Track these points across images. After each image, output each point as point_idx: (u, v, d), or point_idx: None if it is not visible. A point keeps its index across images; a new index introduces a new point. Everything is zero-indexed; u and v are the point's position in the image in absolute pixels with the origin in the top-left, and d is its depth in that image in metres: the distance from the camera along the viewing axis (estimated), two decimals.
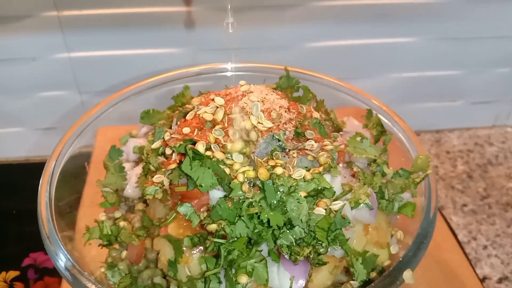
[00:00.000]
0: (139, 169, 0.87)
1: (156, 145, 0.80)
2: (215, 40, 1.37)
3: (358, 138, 0.82)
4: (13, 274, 1.28)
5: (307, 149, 0.73)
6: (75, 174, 0.93)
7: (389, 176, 0.80)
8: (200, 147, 0.68)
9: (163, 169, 0.76)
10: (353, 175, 0.78)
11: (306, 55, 1.44)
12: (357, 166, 0.80)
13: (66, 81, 1.46)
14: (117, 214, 0.89)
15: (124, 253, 0.81)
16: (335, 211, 0.68)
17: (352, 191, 0.72)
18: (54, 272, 1.25)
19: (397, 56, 1.51)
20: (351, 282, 0.72)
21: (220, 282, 0.67)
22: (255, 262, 0.66)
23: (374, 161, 0.81)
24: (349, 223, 0.67)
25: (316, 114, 0.81)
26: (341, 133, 0.85)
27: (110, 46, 1.39)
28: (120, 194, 0.90)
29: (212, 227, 0.67)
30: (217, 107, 0.73)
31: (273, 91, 0.77)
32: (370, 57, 1.50)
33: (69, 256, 0.70)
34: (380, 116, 0.93)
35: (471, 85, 1.62)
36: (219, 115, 0.72)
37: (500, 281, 1.21)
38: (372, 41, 1.47)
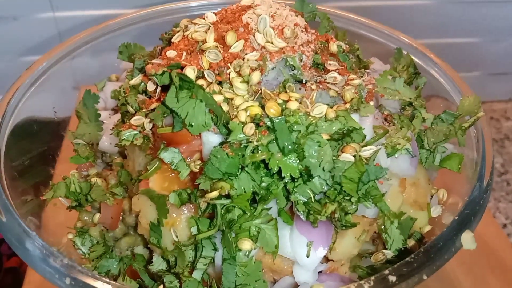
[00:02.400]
0: (118, 117, 0.71)
1: (135, 80, 0.63)
2: None
3: (389, 77, 0.65)
4: None
5: (328, 82, 0.57)
6: (41, 125, 0.77)
7: (429, 122, 0.64)
8: (190, 72, 0.52)
9: (143, 110, 0.60)
10: (385, 119, 0.62)
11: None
12: (389, 111, 0.64)
13: (51, 44, 1.31)
14: (92, 171, 0.73)
15: (97, 217, 0.65)
16: (366, 158, 0.52)
17: (388, 134, 0.55)
18: None
19: (411, 19, 1.37)
20: (384, 251, 0.56)
21: (215, 249, 0.51)
22: (261, 223, 0.50)
23: (410, 104, 0.65)
24: (386, 173, 0.50)
25: (338, 43, 0.64)
26: (367, 71, 0.69)
27: (98, 5, 1.24)
28: (96, 148, 0.74)
29: (212, 195, 0.50)
30: (209, 26, 0.56)
31: (286, 7, 0.60)
32: (381, 20, 1.35)
33: (20, 220, 0.53)
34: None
35: (489, 55, 1.50)
36: (210, 37, 0.55)
37: None
38: (384, 3, 1.33)
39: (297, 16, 0.59)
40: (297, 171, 0.50)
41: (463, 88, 0.69)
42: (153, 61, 0.56)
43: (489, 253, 0.91)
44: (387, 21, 1.36)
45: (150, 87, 0.60)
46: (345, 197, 0.49)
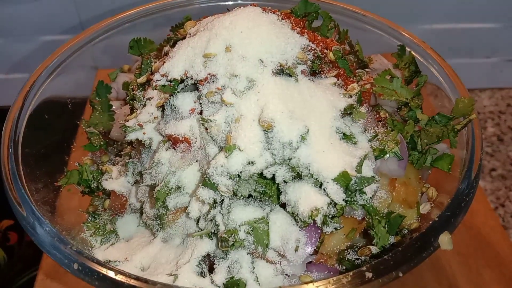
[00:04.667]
0: (128, 108, 0.75)
1: (142, 79, 0.67)
2: None
3: (388, 77, 0.67)
4: (7, 223, 1.22)
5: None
6: (56, 114, 0.81)
7: (423, 123, 0.66)
8: None
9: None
10: (379, 121, 0.64)
11: None
12: (385, 110, 0.66)
13: (71, 23, 1.34)
14: (104, 159, 0.78)
15: (107, 202, 0.71)
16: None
17: (378, 137, 0.58)
18: None
19: (428, 3, 1.34)
20: (370, 246, 0.59)
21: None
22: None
23: (406, 104, 0.67)
24: (374, 181, 0.53)
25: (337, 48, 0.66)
26: (367, 70, 0.71)
27: None
28: (108, 137, 0.79)
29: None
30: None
31: (275, 12, 0.61)
32: (398, 5, 1.33)
33: (34, 209, 0.57)
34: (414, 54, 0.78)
35: (508, 41, 1.46)
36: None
37: None
38: None
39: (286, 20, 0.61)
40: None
41: (460, 89, 0.70)
42: (154, 78, 0.60)
43: (485, 245, 0.92)
44: (404, 5, 1.34)
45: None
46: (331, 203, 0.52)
